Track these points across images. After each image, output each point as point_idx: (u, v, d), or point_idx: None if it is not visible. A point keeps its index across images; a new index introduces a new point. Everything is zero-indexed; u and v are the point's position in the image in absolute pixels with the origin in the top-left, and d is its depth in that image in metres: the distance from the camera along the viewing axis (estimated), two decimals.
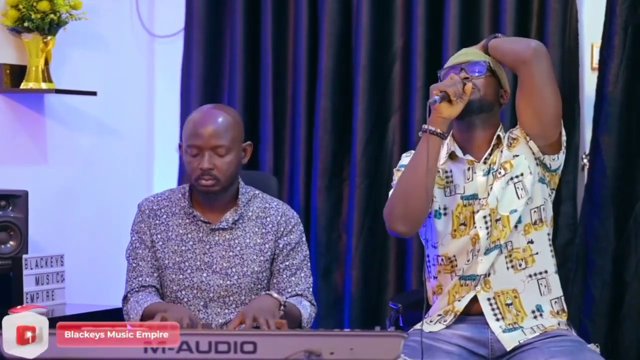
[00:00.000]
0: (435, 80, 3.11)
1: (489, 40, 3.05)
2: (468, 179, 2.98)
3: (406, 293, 3.90)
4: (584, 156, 3.77)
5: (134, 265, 3.07)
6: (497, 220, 2.93)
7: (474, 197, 2.96)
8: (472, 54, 3.03)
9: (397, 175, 3.04)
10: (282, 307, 2.86)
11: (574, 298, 3.63)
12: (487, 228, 2.93)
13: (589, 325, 3.61)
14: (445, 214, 2.98)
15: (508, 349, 2.90)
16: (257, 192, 3.14)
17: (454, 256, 2.97)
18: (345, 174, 4.08)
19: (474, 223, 2.94)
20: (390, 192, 2.99)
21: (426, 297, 2.97)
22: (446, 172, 3.00)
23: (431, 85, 2.92)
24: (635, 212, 3.60)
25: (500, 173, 2.95)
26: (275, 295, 2.88)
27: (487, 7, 3.84)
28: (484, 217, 2.93)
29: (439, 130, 2.85)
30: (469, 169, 2.98)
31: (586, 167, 3.73)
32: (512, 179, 2.95)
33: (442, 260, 2.99)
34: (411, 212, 2.88)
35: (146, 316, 2.88)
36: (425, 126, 2.87)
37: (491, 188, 2.95)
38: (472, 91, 2.90)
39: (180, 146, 3.08)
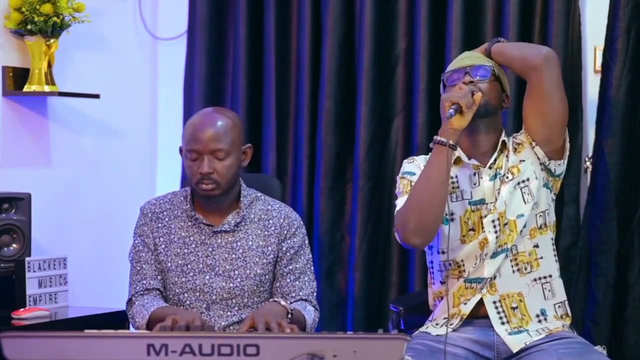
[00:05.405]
0: (437, 82, 3.11)
1: (491, 45, 3.04)
2: (474, 184, 2.97)
3: (407, 295, 3.89)
4: (587, 159, 3.76)
5: (137, 268, 3.06)
6: (505, 225, 2.92)
7: (482, 202, 2.96)
8: (475, 57, 3.01)
9: (401, 183, 3.02)
10: (289, 315, 2.86)
11: (577, 300, 3.63)
12: (495, 232, 2.92)
13: (592, 327, 3.60)
14: (452, 220, 2.97)
15: (514, 351, 2.90)
16: (259, 194, 3.14)
17: (462, 261, 2.96)
18: (348, 175, 4.08)
19: (483, 228, 2.94)
20: (398, 202, 2.98)
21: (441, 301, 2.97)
22: (451, 177, 2.98)
23: (442, 96, 2.89)
24: (638, 214, 3.60)
25: (507, 177, 2.95)
26: (283, 302, 2.88)
27: (490, 9, 3.84)
28: (493, 221, 2.93)
29: (451, 142, 2.84)
30: (474, 174, 2.98)
31: (589, 170, 3.73)
32: (519, 183, 2.95)
33: (450, 264, 2.98)
34: (425, 224, 2.86)
35: (153, 320, 2.87)
36: (437, 138, 2.86)
37: (498, 192, 2.94)
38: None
39: (181, 149, 3.08)
